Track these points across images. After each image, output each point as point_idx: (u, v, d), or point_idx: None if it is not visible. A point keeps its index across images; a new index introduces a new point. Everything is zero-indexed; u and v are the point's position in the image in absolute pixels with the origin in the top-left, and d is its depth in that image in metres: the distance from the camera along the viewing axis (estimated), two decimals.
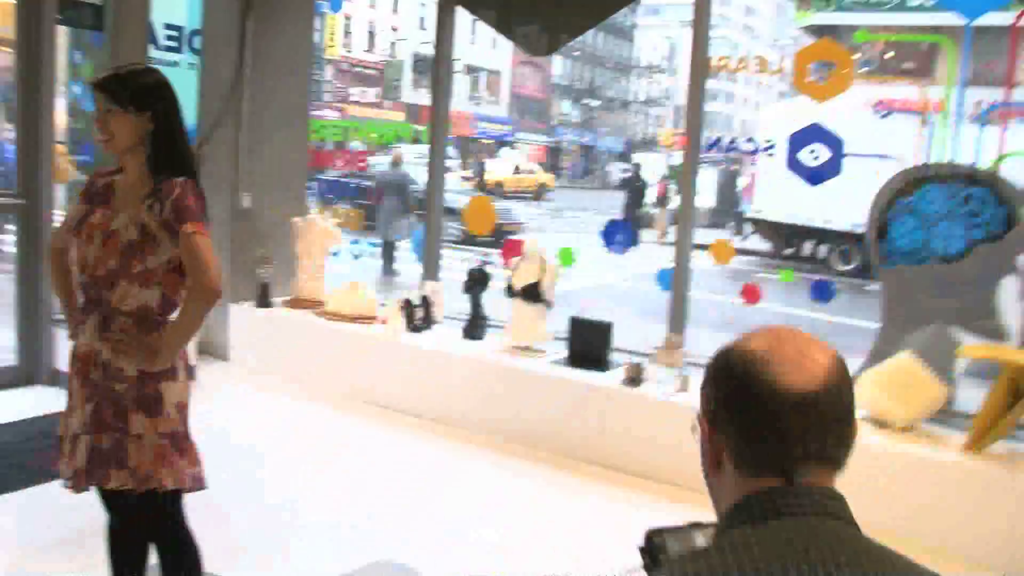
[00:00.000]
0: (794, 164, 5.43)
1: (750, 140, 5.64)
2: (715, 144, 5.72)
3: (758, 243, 18.59)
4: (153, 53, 6.80)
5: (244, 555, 3.90)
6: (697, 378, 5.09)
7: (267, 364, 6.60)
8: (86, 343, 2.73)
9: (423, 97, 46.23)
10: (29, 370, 5.79)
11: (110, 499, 2.87)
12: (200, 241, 2.65)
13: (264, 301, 6.73)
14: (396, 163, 13.32)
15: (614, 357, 5.55)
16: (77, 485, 2.75)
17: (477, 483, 4.91)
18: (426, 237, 6.95)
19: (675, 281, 5.74)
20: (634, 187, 20.31)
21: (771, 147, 5.55)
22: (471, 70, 46.63)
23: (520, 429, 5.41)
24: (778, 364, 1.18)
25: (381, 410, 5.90)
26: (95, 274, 2.68)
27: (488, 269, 6.13)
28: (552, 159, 51.91)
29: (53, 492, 3.11)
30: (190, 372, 2.86)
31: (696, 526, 1.40)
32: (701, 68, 5.51)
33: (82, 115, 6.28)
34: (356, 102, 40.42)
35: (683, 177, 5.74)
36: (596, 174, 52.89)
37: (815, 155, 5.36)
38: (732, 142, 5.67)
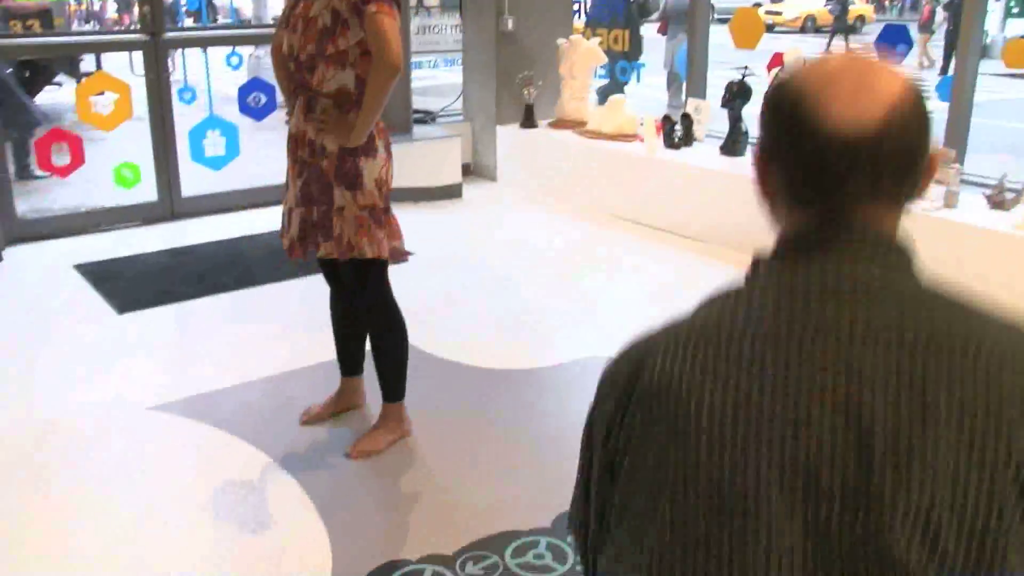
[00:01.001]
0: None
1: None
2: None
3: None
4: None
5: (468, 342, 4.15)
6: (971, 197, 4.65)
7: (532, 183, 6.76)
8: (296, 124, 2.94)
9: None
10: None
11: (326, 270, 3.14)
12: (383, 20, 2.73)
13: (529, 122, 6.84)
14: None
15: None
16: (292, 254, 3.02)
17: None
18: (691, 54, 6.71)
19: (956, 88, 5.19)
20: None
21: None
22: None
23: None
24: (829, 101, 1.06)
25: (637, 226, 5.90)
26: (298, 59, 2.86)
27: (749, 81, 5.84)
28: None
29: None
30: (390, 151, 3.00)
31: None
32: None
33: None
34: None
35: None
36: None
37: None
38: None
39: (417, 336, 3.31)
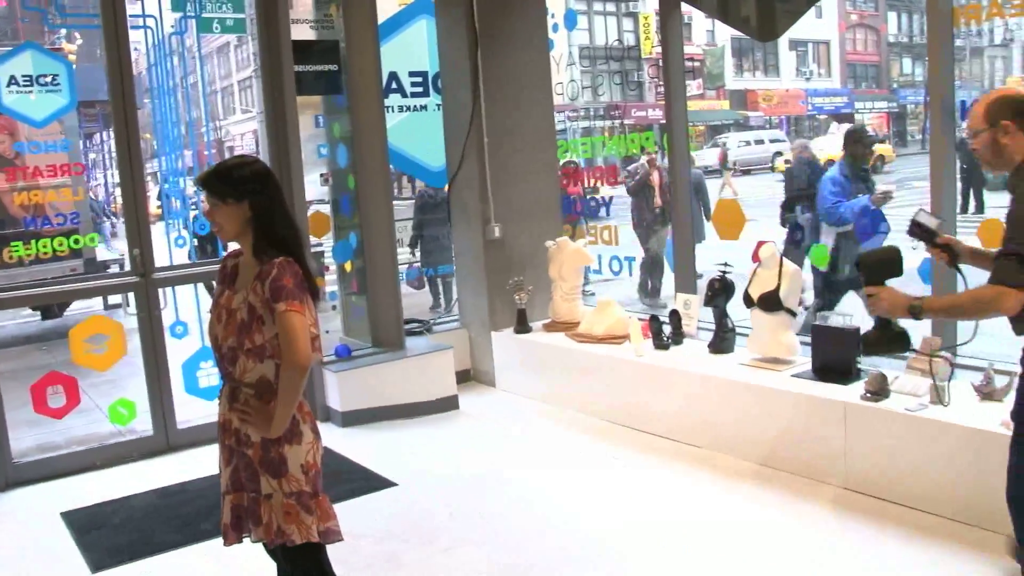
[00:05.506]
0: None
1: None
2: None
3: None
4: (400, 101, 7.23)
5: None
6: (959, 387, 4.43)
7: (529, 388, 6.75)
8: (223, 412, 2.97)
9: (747, 82, 44.97)
10: None
11: (268, 549, 3.10)
12: (291, 318, 2.76)
13: (522, 326, 6.87)
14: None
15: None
16: (227, 540, 3.01)
17: (713, 507, 4.67)
18: (676, 244, 6.72)
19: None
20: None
21: None
22: (795, 44, 44.74)
23: (758, 448, 5.10)
24: None
25: (627, 430, 5.82)
26: (222, 350, 2.90)
27: (730, 278, 5.83)
28: (897, 126, 48.44)
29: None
30: (317, 432, 3.00)
31: None
32: None
33: (338, 173, 6.79)
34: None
35: None
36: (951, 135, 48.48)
37: None
38: None
39: None
